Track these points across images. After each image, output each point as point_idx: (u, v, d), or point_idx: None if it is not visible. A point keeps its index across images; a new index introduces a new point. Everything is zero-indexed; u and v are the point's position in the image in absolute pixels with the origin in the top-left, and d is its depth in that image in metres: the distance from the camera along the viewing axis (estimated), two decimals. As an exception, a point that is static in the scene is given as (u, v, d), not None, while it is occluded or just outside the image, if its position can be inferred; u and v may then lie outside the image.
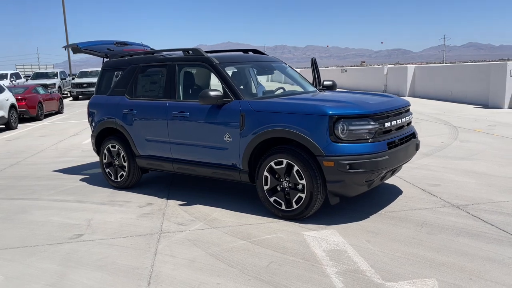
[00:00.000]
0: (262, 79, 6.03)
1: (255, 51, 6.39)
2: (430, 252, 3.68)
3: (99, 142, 6.45)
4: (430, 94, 16.98)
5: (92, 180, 6.84)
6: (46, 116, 18.09)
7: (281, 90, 5.63)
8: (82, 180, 6.89)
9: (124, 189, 6.13)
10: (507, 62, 12.56)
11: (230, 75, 5.21)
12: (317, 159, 4.30)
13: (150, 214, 5.03)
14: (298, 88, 5.86)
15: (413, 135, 5.03)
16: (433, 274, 3.29)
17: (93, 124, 6.46)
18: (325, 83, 6.10)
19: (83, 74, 29.65)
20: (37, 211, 5.39)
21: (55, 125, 15.17)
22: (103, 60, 6.81)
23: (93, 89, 27.39)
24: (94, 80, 28.19)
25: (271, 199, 4.67)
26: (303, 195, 4.42)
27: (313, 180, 4.33)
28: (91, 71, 29.93)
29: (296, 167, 4.42)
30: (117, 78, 6.24)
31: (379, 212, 4.71)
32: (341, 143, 4.24)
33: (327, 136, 4.24)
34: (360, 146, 4.27)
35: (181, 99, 5.48)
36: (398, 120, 4.65)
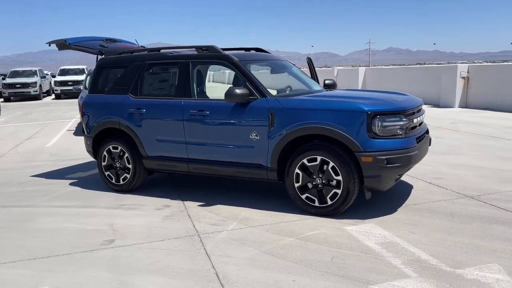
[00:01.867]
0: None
1: (258, 49, 6.36)
2: (475, 239, 3.90)
3: (96, 144, 6.10)
4: (380, 95, 17.76)
5: (84, 184, 6.45)
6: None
7: (289, 89, 5.67)
8: (72, 184, 6.48)
9: (127, 193, 5.86)
10: (458, 64, 13.54)
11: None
12: (354, 155, 4.40)
13: (174, 216, 4.86)
14: (305, 87, 5.90)
15: (427, 131, 5.29)
16: (492, 260, 3.50)
17: (89, 125, 6.10)
18: (326, 82, 6.23)
19: (15, 74, 27.78)
20: (43, 218, 5.01)
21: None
22: (97, 57, 6.46)
23: (28, 90, 26.00)
24: (29, 80, 26.54)
25: (303, 196, 4.69)
26: (339, 191, 4.49)
27: (350, 176, 4.42)
28: (24, 71, 28.14)
29: (331, 164, 4.48)
30: (118, 76, 5.95)
31: (404, 205, 4.90)
32: (378, 139, 4.37)
33: (365, 133, 4.36)
34: (394, 141, 4.43)
35: (196, 97, 5.35)
36: (419, 117, 4.88)
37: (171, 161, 5.51)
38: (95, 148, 6.13)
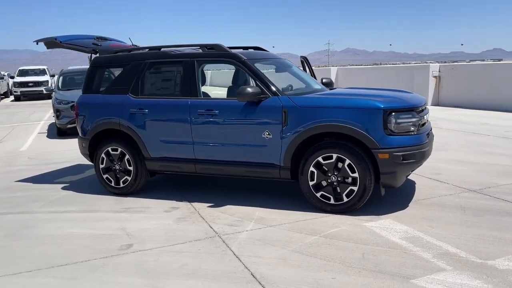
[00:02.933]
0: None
1: (256, 48, 6.32)
2: (494, 231, 4.02)
3: (93, 146, 5.88)
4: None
5: (77, 188, 6.20)
6: None
7: (290, 87, 5.65)
8: (64, 189, 6.22)
9: (127, 196, 5.67)
10: (430, 64, 13.99)
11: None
12: (371, 152, 4.44)
13: (186, 218, 4.75)
14: (310, 86, 5.85)
15: (431, 128, 5.42)
16: (518, 250, 3.62)
17: (85, 126, 5.86)
18: (324, 81, 6.26)
19: None
20: (45, 224, 4.78)
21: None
22: (90, 56, 6.23)
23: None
24: None
25: (318, 194, 4.69)
26: (355, 188, 4.52)
27: (367, 173, 4.46)
28: None
29: (347, 161, 4.51)
30: (116, 76, 5.76)
31: (413, 200, 4.99)
32: (393, 135, 4.44)
33: (381, 130, 4.41)
34: (408, 138, 4.51)
35: (202, 96, 5.25)
36: (426, 114, 4.99)
37: (176, 162, 5.38)
38: (91, 150, 5.89)
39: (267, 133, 4.81)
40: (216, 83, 11.87)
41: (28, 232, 4.57)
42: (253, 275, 3.37)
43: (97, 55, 6.18)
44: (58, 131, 11.47)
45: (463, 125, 10.05)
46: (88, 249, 4.04)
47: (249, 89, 4.73)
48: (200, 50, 5.40)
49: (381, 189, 4.62)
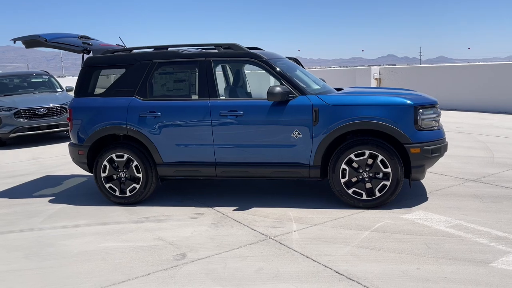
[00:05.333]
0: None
1: (254, 49, 6.26)
2: (523, 215, 4.40)
3: (92, 153, 5.43)
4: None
5: (67, 200, 5.69)
6: None
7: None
8: (53, 202, 5.67)
9: (133, 205, 5.32)
10: (371, 67, 14.81)
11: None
12: (403, 147, 4.63)
13: (221, 223, 4.58)
14: (319, 86, 5.88)
15: None
16: (556, 230, 3.99)
17: (83, 132, 5.39)
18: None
19: None
20: (66, 241, 4.32)
21: None
22: (83, 56, 5.75)
23: None
24: None
25: (349, 191, 4.78)
26: (388, 183, 4.68)
27: (399, 167, 4.64)
28: None
29: (380, 157, 4.65)
30: (118, 77, 5.39)
31: (429, 192, 5.27)
32: (422, 131, 4.67)
33: (412, 125, 4.62)
34: (433, 132, 4.78)
35: (219, 97, 5.09)
36: None
37: (193, 166, 5.15)
38: (90, 158, 5.43)
39: (297, 132, 4.80)
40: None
41: (52, 250, 4.10)
42: (339, 273, 3.36)
43: (90, 55, 5.74)
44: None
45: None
46: (139, 262, 3.74)
47: (279, 89, 4.70)
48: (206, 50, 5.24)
49: (410, 182, 4.83)
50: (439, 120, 4.91)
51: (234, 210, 4.96)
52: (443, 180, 5.75)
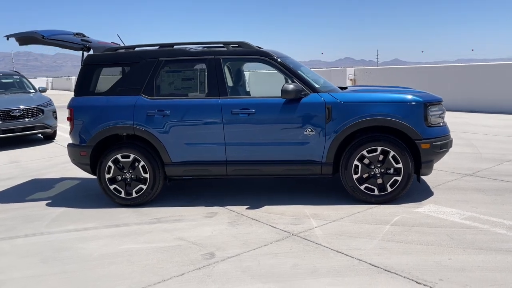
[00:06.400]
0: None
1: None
2: (530, 206, 4.62)
3: (95, 154, 5.25)
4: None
5: (67, 203, 5.48)
6: None
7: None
8: (51, 205, 5.45)
9: (140, 206, 5.19)
10: (346, 68, 15.09)
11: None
12: (414, 143, 4.75)
13: (238, 222, 4.55)
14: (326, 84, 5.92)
15: None
16: None
17: (85, 132, 5.21)
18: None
19: None
20: (82, 244, 4.16)
21: None
22: (83, 53, 5.56)
23: None
24: None
25: (362, 187, 4.86)
26: (399, 178, 4.79)
27: (410, 163, 4.76)
28: None
29: (392, 153, 4.76)
30: (122, 75, 5.25)
31: (432, 187, 5.44)
32: (431, 127, 4.82)
33: (422, 122, 4.75)
34: (440, 129, 4.94)
35: (229, 95, 5.06)
36: None
37: (203, 165, 5.09)
38: (93, 159, 5.25)
39: (310, 129, 4.83)
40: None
41: (70, 254, 3.94)
42: (375, 266, 3.41)
43: (90, 52, 5.56)
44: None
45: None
46: (168, 262, 3.65)
47: (293, 86, 4.73)
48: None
49: (419, 177, 4.97)
50: (444, 116, 5.08)
51: (246, 208, 4.93)
52: (441, 175, 5.94)
